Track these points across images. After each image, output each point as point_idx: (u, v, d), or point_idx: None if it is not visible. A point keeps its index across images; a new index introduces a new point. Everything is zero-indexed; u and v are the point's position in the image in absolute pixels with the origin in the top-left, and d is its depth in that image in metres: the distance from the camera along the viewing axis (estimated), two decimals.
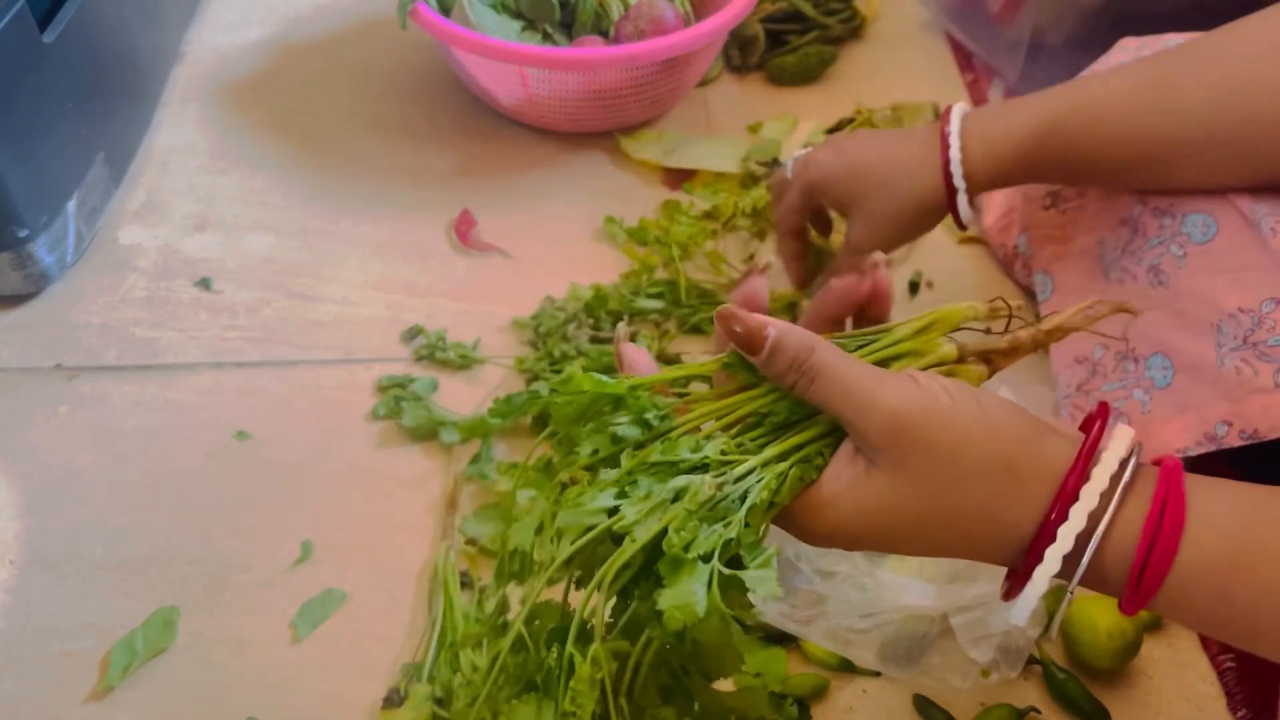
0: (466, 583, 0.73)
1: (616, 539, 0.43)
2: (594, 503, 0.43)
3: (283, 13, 1.25)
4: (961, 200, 0.72)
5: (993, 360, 0.48)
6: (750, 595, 0.42)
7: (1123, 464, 0.43)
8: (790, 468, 0.44)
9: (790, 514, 0.46)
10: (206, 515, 0.77)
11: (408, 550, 0.75)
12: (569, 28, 1.11)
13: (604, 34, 1.10)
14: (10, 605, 0.72)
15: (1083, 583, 0.44)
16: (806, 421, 0.46)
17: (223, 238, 0.98)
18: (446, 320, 0.91)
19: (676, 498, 0.43)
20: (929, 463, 0.43)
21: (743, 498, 0.43)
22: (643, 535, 0.42)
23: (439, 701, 0.66)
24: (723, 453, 0.44)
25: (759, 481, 0.43)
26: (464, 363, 0.87)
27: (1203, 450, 0.67)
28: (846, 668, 0.69)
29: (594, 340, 0.88)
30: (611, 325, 0.89)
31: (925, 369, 0.47)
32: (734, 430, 0.46)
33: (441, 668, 0.68)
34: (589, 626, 0.44)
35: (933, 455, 0.43)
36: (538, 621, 0.46)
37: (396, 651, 0.70)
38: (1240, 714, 0.68)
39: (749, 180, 1.03)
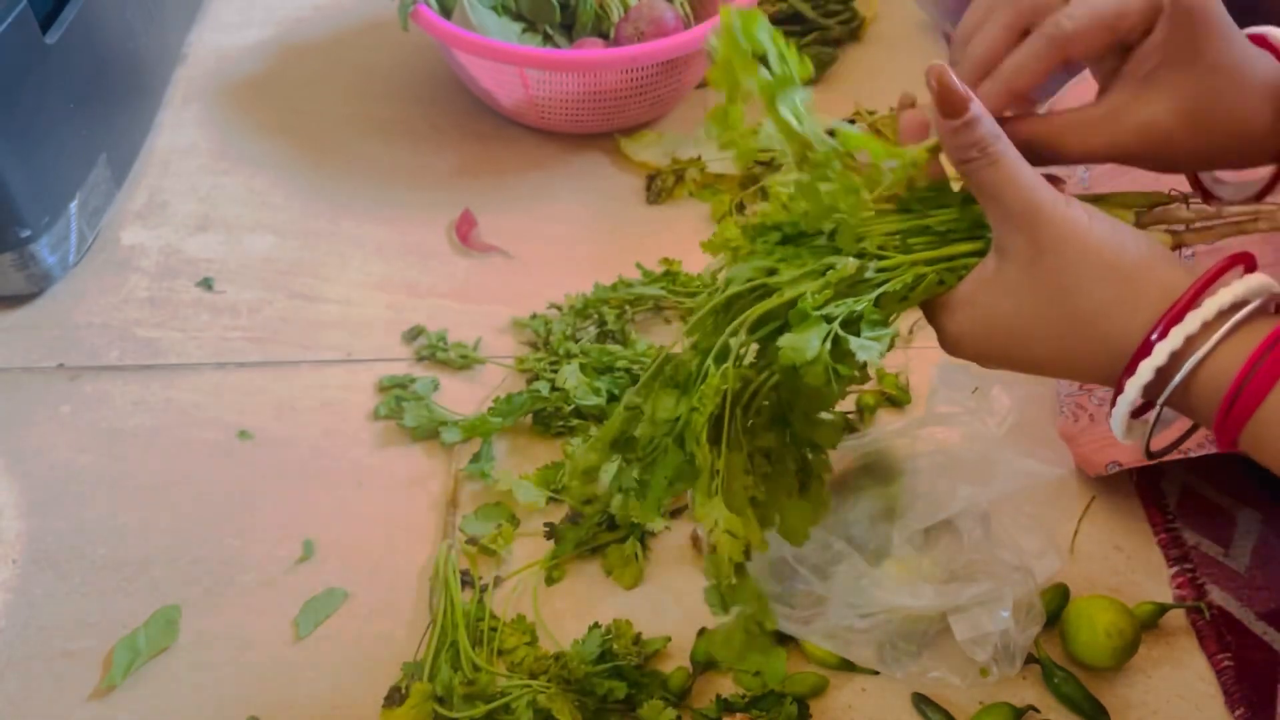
0: (467, 582, 0.73)
1: (770, 296, 0.51)
2: (760, 263, 0.51)
3: (284, 14, 1.25)
4: None
5: (1183, 237, 0.51)
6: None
7: (1237, 305, 0.45)
8: (930, 271, 0.50)
9: (930, 309, 0.52)
10: (208, 514, 0.77)
11: (409, 549, 0.76)
12: (569, 29, 1.11)
13: (604, 36, 1.10)
14: (12, 604, 0.72)
15: (1176, 409, 0.46)
16: (968, 241, 0.51)
17: (224, 238, 0.98)
18: (447, 320, 0.91)
19: (825, 271, 0.50)
20: (1057, 262, 0.46)
21: (880, 285, 0.50)
22: (789, 292, 0.50)
23: (439, 700, 0.66)
24: (880, 247, 0.50)
25: (899, 274, 0.50)
26: (465, 363, 0.88)
27: (1204, 452, 0.68)
28: (846, 667, 0.69)
29: (600, 338, 0.88)
30: (615, 319, 0.89)
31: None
32: (900, 232, 0.51)
33: (442, 667, 0.68)
34: (730, 351, 0.51)
35: (1062, 255, 0.46)
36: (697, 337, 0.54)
37: (397, 650, 0.70)
38: (1238, 713, 0.68)
39: (748, 180, 1.04)
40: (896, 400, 0.84)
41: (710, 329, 0.53)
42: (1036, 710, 0.67)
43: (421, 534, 0.77)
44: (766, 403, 0.54)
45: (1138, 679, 0.70)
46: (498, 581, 0.74)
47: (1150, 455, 0.50)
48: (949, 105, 0.48)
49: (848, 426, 0.80)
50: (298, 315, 0.92)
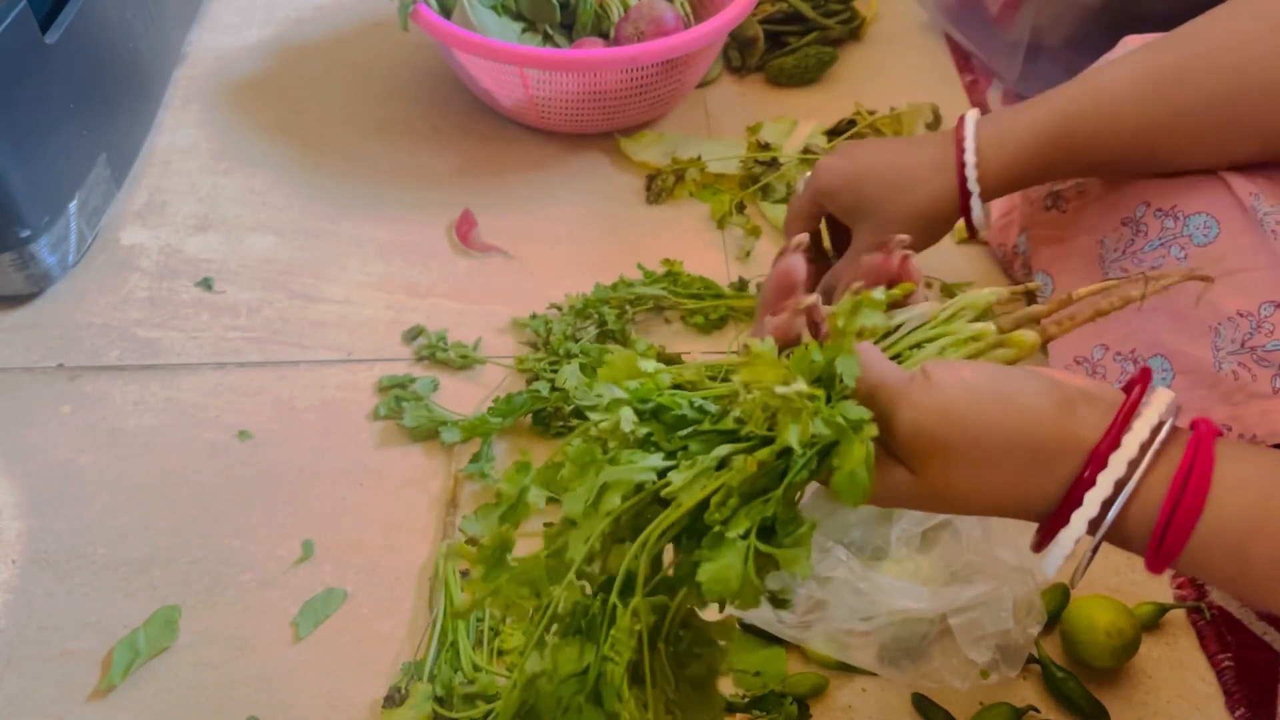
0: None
1: (663, 503, 0.46)
2: (646, 462, 0.47)
3: (284, 14, 1.25)
4: (975, 204, 0.72)
5: (1045, 330, 0.51)
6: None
7: (1154, 431, 0.45)
8: (829, 452, 0.46)
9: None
10: (208, 515, 0.77)
11: (408, 550, 0.76)
12: (569, 29, 1.11)
13: (604, 35, 1.10)
14: (12, 604, 0.72)
15: (1108, 540, 0.46)
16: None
17: (224, 238, 0.98)
18: (447, 320, 0.91)
19: (721, 465, 0.46)
20: (945, 464, 0.46)
21: (782, 474, 0.46)
22: (688, 500, 0.46)
23: (439, 700, 0.66)
24: (768, 429, 0.47)
25: (801, 460, 0.46)
26: (464, 363, 0.88)
27: None
28: (846, 667, 0.69)
29: (600, 338, 0.88)
30: (615, 319, 0.89)
31: (965, 347, 0.50)
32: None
33: (442, 667, 0.68)
34: (631, 578, 0.47)
35: (950, 456, 0.46)
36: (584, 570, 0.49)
37: (397, 650, 0.70)
38: (1239, 713, 0.68)
39: (748, 181, 1.04)
40: None
41: (592, 547, 0.47)
42: (1037, 711, 0.67)
43: (421, 534, 0.77)
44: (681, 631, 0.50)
45: (1138, 679, 0.70)
46: None
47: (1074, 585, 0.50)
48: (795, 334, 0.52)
49: None
50: (298, 315, 0.92)
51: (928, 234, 0.74)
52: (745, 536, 0.45)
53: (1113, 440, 0.45)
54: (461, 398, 0.85)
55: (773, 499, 0.45)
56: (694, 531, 0.47)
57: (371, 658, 0.70)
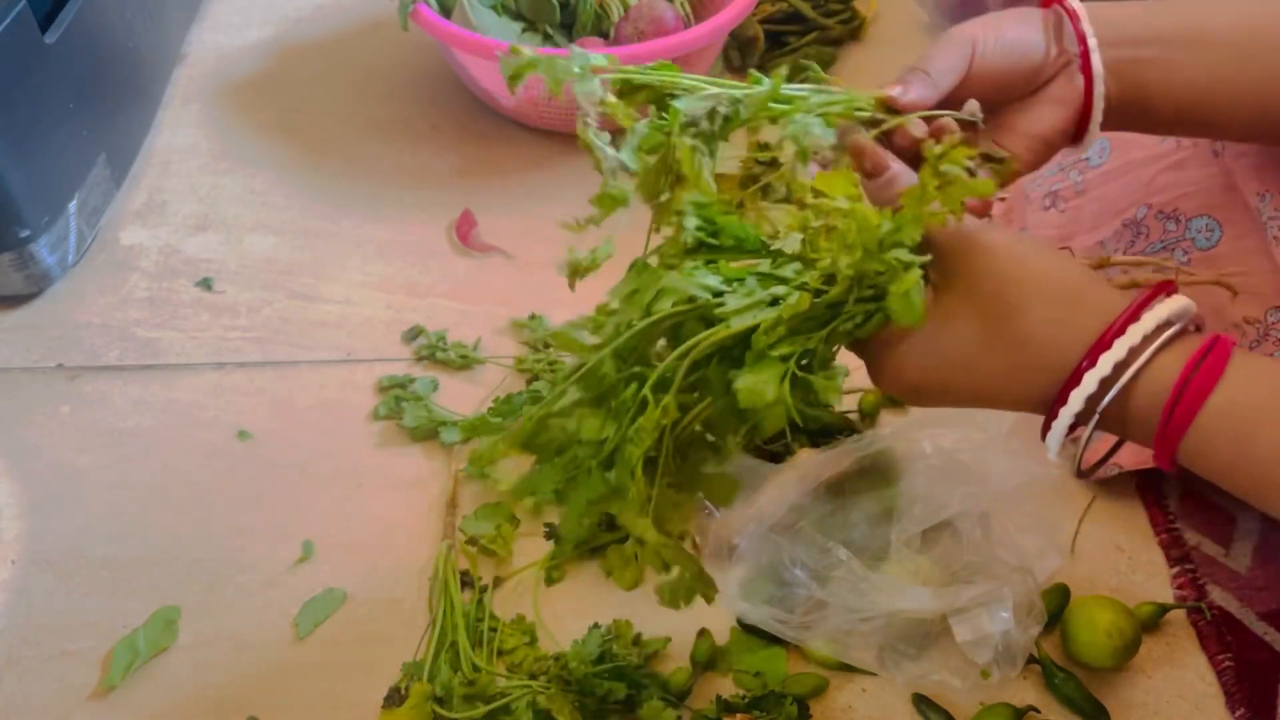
0: (467, 582, 0.73)
1: (706, 321, 0.49)
2: (702, 279, 0.49)
3: (284, 14, 1.25)
4: (1099, 92, 0.58)
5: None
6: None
7: (1161, 326, 0.46)
8: (876, 310, 0.49)
9: (867, 347, 0.51)
10: (208, 515, 0.77)
11: (408, 550, 0.76)
12: (569, 29, 1.11)
13: (604, 35, 1.10)
14: (12, 604, 0.72)
15: (1115, 429, 0.48)
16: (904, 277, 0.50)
17: (224, 238, 0.98)
18: (447, 320, 0.91)
19: (773, 302, 0.48)
20: (996, 285, 0.48)
21: (827, 322, 0.49)
22: (738, 324, 0.48)
23: (439, 701, 0.66)
24: (823, 281, 0.49)
25: (846, 312, 0.49)
26: (464, 363, 0.88)
27: (1139, 467, 0.68)
28: (846, 667, 0.69)
29: None
30: None
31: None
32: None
33: (442, 667, 0.68)
34: (667, 378, 0.49)
35: (1000, 278, 0.48)
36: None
37: (397, 651, 0.70)
38: (1239, 713, 0.68)
39: (748, 180, 1.03)
40: (897, 400, 0.84)
41: (633, 341, 0.50)
42: (1037, 711, 0.67)
43: (421, 534, 0.77)
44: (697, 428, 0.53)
45: (1138, 679, 0.70)
46: (497, 582, 0.74)
47: (1080, 473, 0.51)
48: (873, 167, 0.53)
49: (849, 428, 0.80)
50: (297, 315, 0.92)
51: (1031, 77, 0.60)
52: (786, 361, 0.47)
53: (1123, 324, 0.46)
54: (461, 398, 0.85)
55: (815, 337, 0.48)
56: (731, 358, 0.49)
57: (371, 658, 0.70)
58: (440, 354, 0.88)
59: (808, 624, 0.68)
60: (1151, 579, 0.75)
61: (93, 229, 0.96)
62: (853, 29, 1.23)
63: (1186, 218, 0.72)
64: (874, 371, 0.52)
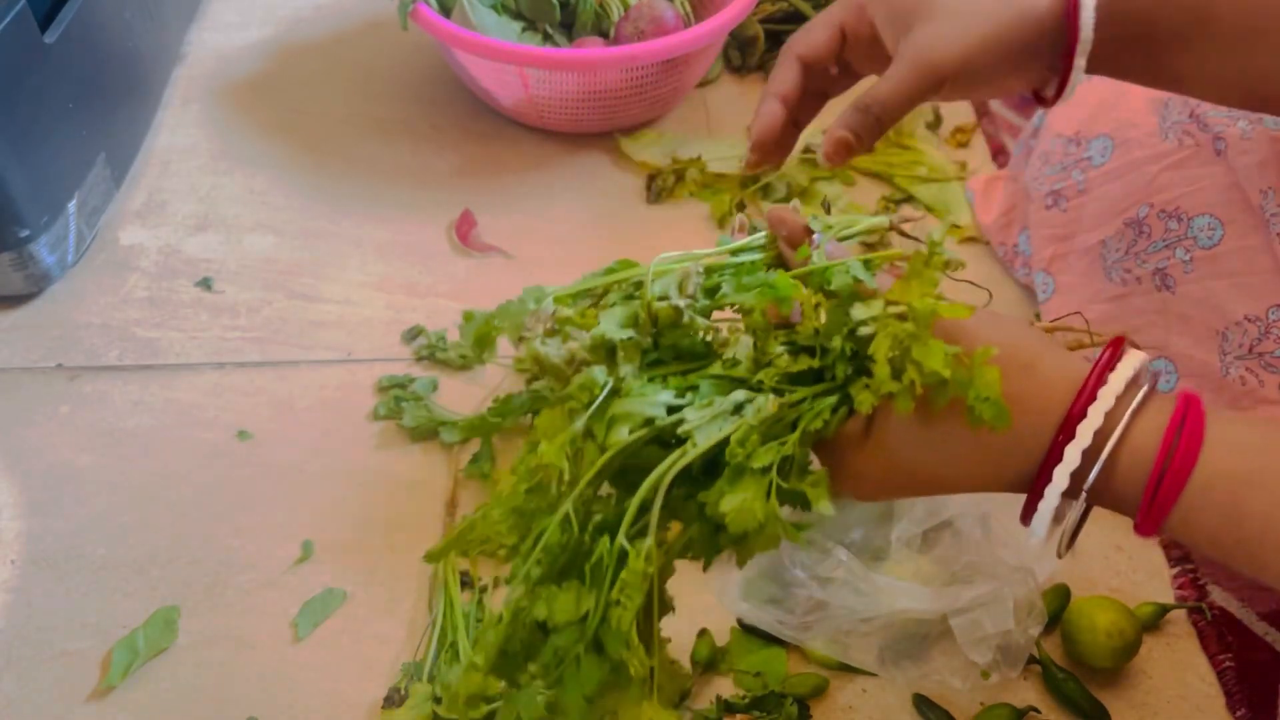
0: (466, 583, 0.73)
1: (664, 443, 0.46)
2: (656, 398, 0.46)
3: (284, 13, 1.25)
4: (1086, 26, 0.53)
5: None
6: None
7: (1130, 385, 0.44)
8: (840, 404, 0.47)
9: (828, 447, 0.49)
10: (207, 515, 0.77)
11: (408, 550, 0.76)
12: (569, 28, 1.11)
13: (604, 35, 1.10)
14: (11, 605, 0.72)
15: (1099, 501, 0.45)
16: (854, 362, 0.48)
17: (224, 238, 0.98)
18: (447, 320, 0.91)
19: (736, 410, 0.45)
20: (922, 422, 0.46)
21: (794, 423, 0.46)
22: (704, 441, 0.44)
23: (439, 701, 0.66)
24: (778, 381, 0.47)
25: (811, 408, 0.46)
26: (464, 363, 0.87)
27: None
28: (846, 667, 0.69)
29: None
30: None
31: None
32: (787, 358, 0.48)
33: (441, 667, 0.68)
34: (650, 527, 0.45)
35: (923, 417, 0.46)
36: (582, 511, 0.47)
37: (397, 651, 0.70)
38: (1239, 714, 0.68)
39: (749, 180, 1.04)
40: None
41: (588, 490, 0.46)
42: (1037, 711, 0.67)
43: (421, 534, 0.77)
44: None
45: (1139, 680, 0.70)
46: (497, 582, 0.74)
47: (1063, 554, 0.49)
48: (792, 238, 0.52)
49: None
50: (297, 315, 0.92)
51: (997, 78, 0.56)
52: (767, 472, 0.44)
53: (1092, 391, 0.44)
54: (461, 398, 0.85)
55: (790, 441, 0.45)
56: (693, 480, 0.46)
57: (371, 658, 0.70)
58: (440, 354, 0.88)
59: (808, 624, 0.68)
60: (1152, 579, 0.75)
61: (92, 229, 0.96)
62: None
63: (1189, 216, 0.72)
64: (838, 472, 0.49)
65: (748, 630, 0.71)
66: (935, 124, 1.11)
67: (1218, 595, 0.74)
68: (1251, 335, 0.68)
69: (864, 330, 0.46)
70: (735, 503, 0.44)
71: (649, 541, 0.44)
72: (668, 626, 0.70)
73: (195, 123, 1.10)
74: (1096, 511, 0.79)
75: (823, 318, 0.47)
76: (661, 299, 0.49)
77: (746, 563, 0.48)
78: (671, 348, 0.49)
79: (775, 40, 1.19)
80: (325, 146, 1.08)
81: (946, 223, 0.57)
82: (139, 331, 0.90)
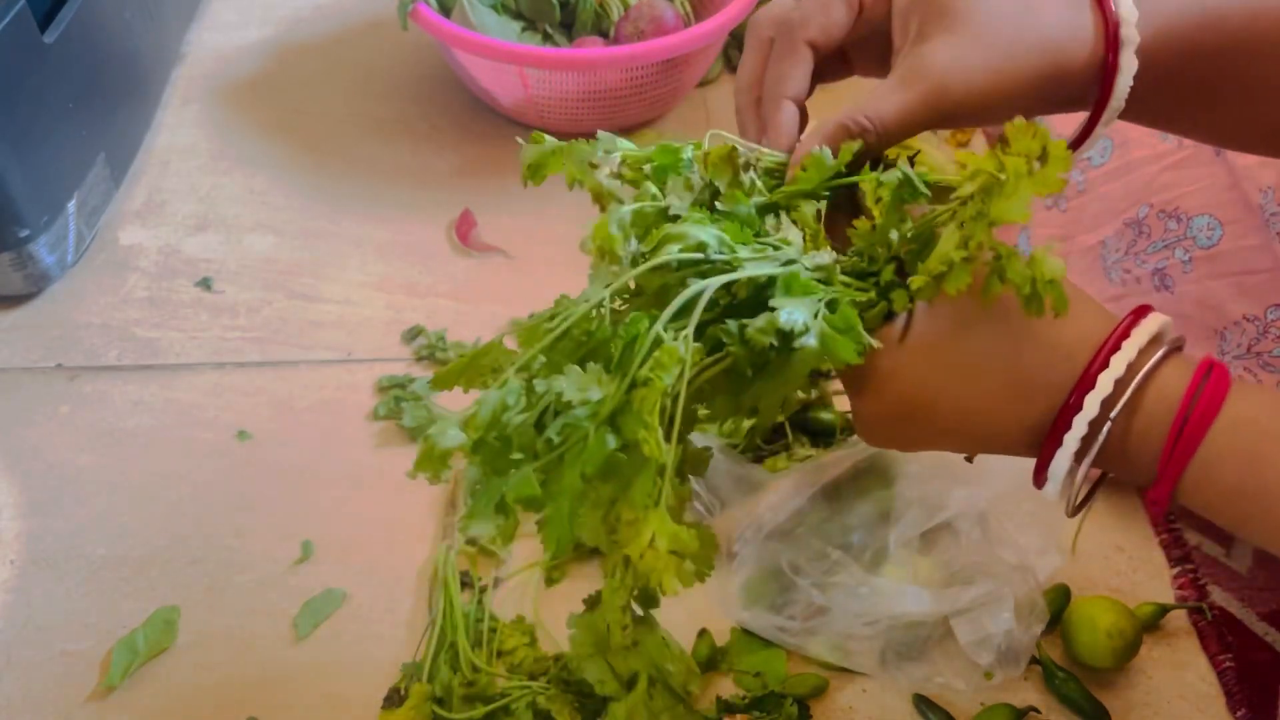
0: (466, 583, 0.73)
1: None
2: (712, 229, 0.43)
3: (283, 13, 1.25)
4: (1120, 94, 0.48)
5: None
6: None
7: (1152, 341, 0.44)
8: (880, 301, 0.45)
9: (855, 375, 0.46)
10: (207, 515, 0.77)
11: (408, 550, 0.76)
12: (569, 28, 1.11)
13: (604, 34, 1.10)
14: (11, 605, 0.72)
15: (1113, 458, 0.44)
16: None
17: (224, 238, 0.98)
18: (447, 320, 0.91)
19: (786, 262, 0.43)
20: (1000, 303, 0.44)
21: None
22: (754, 270, 0.42)
23: (439, 701, 0.66)
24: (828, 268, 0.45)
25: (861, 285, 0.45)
26: None
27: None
28: (847, 667, 0.69)
29: None
30: None
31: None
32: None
33: (441, 667, 0.68)
34: (694, 317, 0.42)
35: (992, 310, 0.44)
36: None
37: (397, 651, 0.70)
38: (1240, 714, 0.68)
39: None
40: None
41: (639, 296, 0.44)
42: (1038, 711, 0.67)
43: (421, 534, 0.76)
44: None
45: (1139, 680, 0.70)
46: (497, 582, 0.74)
47: (1074, 510, 0.48)
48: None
49: (849, 427, 0.80)
50: (297, 315, 0.92)
51: (1008, 118, 0.46)
52: (816, 300, 0.42)
53: (1106, 355, 0.44)
54: (461, 398, 0.85)
55: (837, 288, 0.43)
56: (740, 310, 0.43)
57: (371, 658, 0.70)
58: (440, 354, 0.88)
59: (809, 630, 0.68)
60: (1152, 579, 0.75)
61: (92, 229, 0.96)
62: None
63: (1188, 216, 0.72)
64: (858, 379, 0.47)
65: (748, 630, 0.70)
66: None
67: (1218, 595, 0.74)
68: (1250, 335, 0.68)
69: (928, 216, 0.44)
70: (786, 303, 0.41)
71: (686, 331, 0.41)
72: (667, 627, 0.70)
73: (195, 122, 1.10)
74: (1097, 512, 0.79)
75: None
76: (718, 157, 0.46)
77: (771, 412, 0.45)
78: (734, 214, 0.46)
79: None
80: (325, 146, 1.08)
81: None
82: (139, 331, 0.90)
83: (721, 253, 0.43)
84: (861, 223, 0.46)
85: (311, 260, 0.97)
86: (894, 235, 0.45)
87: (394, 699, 0.67)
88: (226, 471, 0.80)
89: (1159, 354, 0.44)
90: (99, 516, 0.77)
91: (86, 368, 0.87)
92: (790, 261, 0.44)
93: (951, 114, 0.47)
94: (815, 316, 0.42)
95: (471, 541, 0.75)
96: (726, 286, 0.43)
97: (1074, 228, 0.83)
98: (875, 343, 0.44)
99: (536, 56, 0.98)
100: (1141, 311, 0.45)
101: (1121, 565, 0.76)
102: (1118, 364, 0.43)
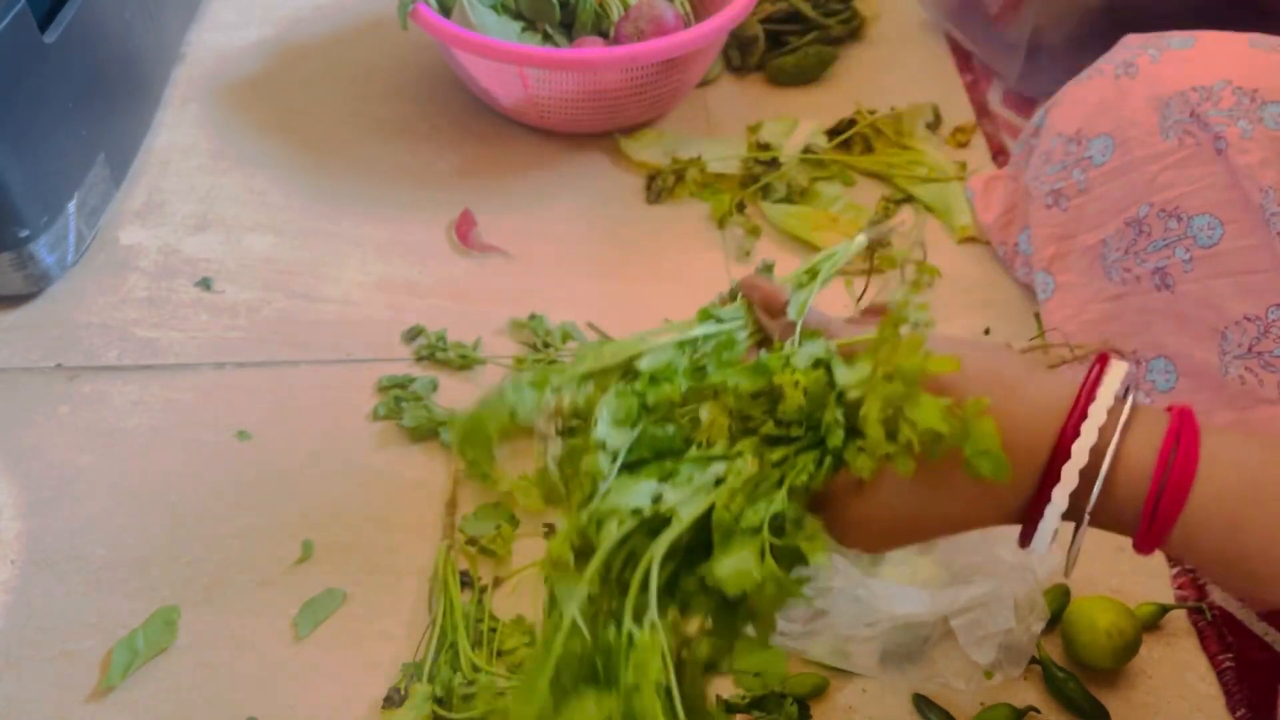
0: (466, 582, 0.73)
1: (655, 534, 0.44)
2: (640, 488, 0.45)
3: (283, 13, 1.25)
4: (1052, 515, 0.46)
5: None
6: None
7: (1119, 399, 0.44)
8: (824, 455, 0.46)
9: (826, 501, 0.47)
10: (207, 515, 0.77)
11: (408, 550, 0.76)
12: (569, 28, 1.11)
13: (604, 35, 1.10)
14: (11, 605, 0.72)
15: (1097, 523, 0.44)
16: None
17: (223, 238, 0.98)
18: (447, 320, 0.91)
19: (718, 483, 0.45)
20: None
21: (780, 481, 0.45)
22: (688, 514, 0.44)
23: (439, 701, 0.66)
24: (758, 445, 0.46)
25: (794, 464, 0.45)
26: (464, 363, 0.87)
27: None
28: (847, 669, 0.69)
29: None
30: None
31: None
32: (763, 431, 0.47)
33: (442, 667, 0.68)
34: (649, 602, 0.44)
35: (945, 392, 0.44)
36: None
37: (397, 651, 0.70)
38: (1239, 714, 0.68)
39: (749, 180, 1.04)
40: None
41: (592, 595, 0.44)
42: (1037, 711, 0.67)
43: (421, 534, 0.76)
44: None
45: (1139, 680, 0.70)
46: (497, 582, 0.74)
47: (1069, 574, 0.48)
48: (769, 306, 0.52)
49: None
50: (297, 315, 0.92)
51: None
52: (758, 532, 0.43)
53: (1082, 409, 0.43)
54: (461, 398, 0.85)
55: (777, 496, 0.44)
56: (691, 562, 0.45)
57: (371, 658, 0.70)
58: (440, 354, 0.88)
59: (810, 633, 0.68)
60: (1152, 579, 0.75)
61: (92, 229, 0.96)
62: (853, 29, 1.23)
63: (1188, 216, 0.72)
64: (839, 525, 0.48)
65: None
66: (935, 124, 1.11)
67: (1218, 595, 0.74)
68: (1251, 334, 0.68)
69: (853, 395, 0.45)
70: (730, 565, 0.43)
71: (650, 615, 0.43)
72: None
73: (195, 122, 1.10)
74: None
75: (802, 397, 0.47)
76: (652, 381, 0.48)
77: (767, 635, 0.46)
78: (650, 443, 0.47)
79: (775, 40, 1.19)
80: (325, 146, 1.08)
81: (915, 255, 0.55)
82: (138, 331, 0.90)
83: (660, 508, 0.45)
84: (787, 404, 0.47)
85: (311, 260, 0.97)
86: (824, 414, 0.46)
87: (394, 699, 0.67)
88: (227, 471, 0.80)
89: (1124, 414, 0.43)
90: (99, 516, 0.77)
91: (86, 368, 0.87)
92: (718, 481, 0.45)
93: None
94: (762, 558, 0.43)
95: (471, 541, 0.75)
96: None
97: (1074, 227, 0.83)
98: (825, 561, 0.44)
99: (536, 56, 0.98)
100: (1102, 365, 0.45)
101: (1121, 565, 0.75)
102: (1089, 432, 0.43)
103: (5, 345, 0.88)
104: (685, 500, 0.44)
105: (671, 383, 0.49)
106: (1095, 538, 0.77)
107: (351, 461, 0.81)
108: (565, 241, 0.99)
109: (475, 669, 0.67)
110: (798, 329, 0.50)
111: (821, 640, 0.68)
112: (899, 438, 0.43)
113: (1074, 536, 0.46)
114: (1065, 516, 0.45)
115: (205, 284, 0.94)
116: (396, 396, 0.84)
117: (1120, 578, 0.75)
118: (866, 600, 0.66)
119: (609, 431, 0.47)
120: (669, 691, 0.43)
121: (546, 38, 1.10)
